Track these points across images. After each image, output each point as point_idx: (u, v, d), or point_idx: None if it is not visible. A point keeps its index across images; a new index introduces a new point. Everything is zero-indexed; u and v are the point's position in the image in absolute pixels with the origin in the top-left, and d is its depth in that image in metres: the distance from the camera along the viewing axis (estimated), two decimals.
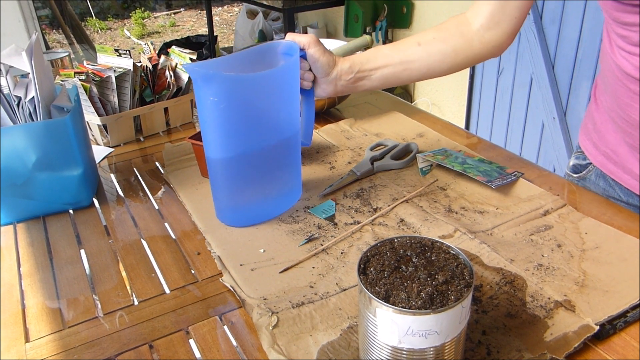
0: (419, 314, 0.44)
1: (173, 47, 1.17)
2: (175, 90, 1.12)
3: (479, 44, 0.80)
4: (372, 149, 0.98)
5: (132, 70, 1.03)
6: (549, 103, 2.14)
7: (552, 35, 2.07)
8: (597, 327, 0.57)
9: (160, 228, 0.80)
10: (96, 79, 1.01)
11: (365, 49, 1.15)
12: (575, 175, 0.92)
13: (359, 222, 0.78)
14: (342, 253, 0.72)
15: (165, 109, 1.12)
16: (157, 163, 1.00)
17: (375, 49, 0.83)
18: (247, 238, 0.76)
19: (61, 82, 1.01)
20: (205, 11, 4.10)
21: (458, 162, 0.90)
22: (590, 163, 0.87)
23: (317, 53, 0.77)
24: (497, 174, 0.87)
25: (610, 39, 0.73)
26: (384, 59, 0.81)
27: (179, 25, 5.94)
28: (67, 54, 1.33)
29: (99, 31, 5.66)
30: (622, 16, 0.67)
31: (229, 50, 4.55)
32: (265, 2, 3.05)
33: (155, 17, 6.11)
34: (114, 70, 1.02)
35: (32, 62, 0.80)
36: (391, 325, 0.46)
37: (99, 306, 0.65)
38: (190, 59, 1.13)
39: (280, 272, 0.68)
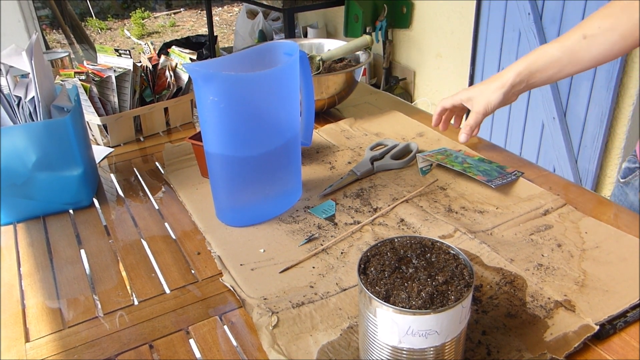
0: (419, 313, 0.44)
1: (173, 47, 1.17)
2: (175, 90, 1.12)
3: None
4: (372, 148, 0.98)
5: (132, 70, 1.03)
6: (549, 103, 2.14)
7: (552, 35, 2.07)
8: (597, 327, 0.57)
9: (160, 228, 0.80)
10: (96, 79, 1.01)
11: (366, 49, 1.15)
12: (622, 180, 0.90)
13: (359, 222, 0.78)
14: (342, 253, 0.72)
15: (165, 109, 1.13)
16: (157, 163, 1.00)
17: (543, 52, 0.83)
18: (247, 238, 0.76)
19: (61, 82, 1.01)
20: (205, 11, 4.10)
21: (458, 161, 0.90)
22: (638, 168, 0.85)
23: (487, 101, 0.89)
24: (497, 173, 0.87)
25: None
26: (554, 65, 0.82)
27: (178, 25, 5.94)
28: (67, 54, 1.33)
29: (99, 31, 5.66)
30: None
31: (229, 50, 4.55)
32: (265, 2, 3.05)
33: (155, 17, 6.11)
34: (114, 70, 1.02)
35: (32, 62, 0.80)
36: (391, 325, 0.46)
37: (99, 306, 0.65)
38: (190, 59, 1.13)
39: (281, 272, 0.68)
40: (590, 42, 0.79)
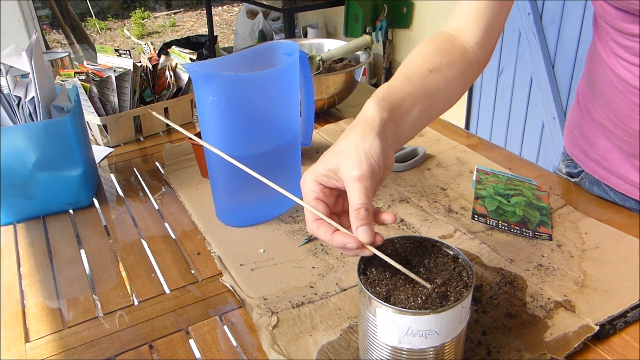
0: (419, 314, 0.44)
1: (173, 47, 1.17)
2: (175, 90, 1.12)
3: (476, 63, 0.69)
4: None
5: (132, 70, 1.03)
6: (549, 103, 2.14)
7: (552, 35, 2.07)
8: (597, 327, 0.57)
9: (160, 228, 0.80)
10: (96, 79, 1.01)
11: (365, 49, 1.15)
12: (572, 181, 0.91)
13: None
14: (342, 253, 0.72)
15: (165, 109, 1.13)
16: (157, 163, 1.00)
17: (391, 87, 0.60)
18: (247, 238, 0.76)
19: (61, 82, 1.01)
20: (205, 11, 4.11)
21: (505, 194, 0.81)
22: (583, 170, 0.86)
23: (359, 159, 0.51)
24: (537, 224, 0.76)
25: (608, 49, 0.71)
26: (411, 99, 0.60)
27: (178, 25, 5.94)
28: (67, 54, 1.33)
29: (99, 31, 5.66)
30: (628, 27, 0.65)
31: (229, 50, 4.55)
32: (265, 2, 3.05)
33: (155, 17, 6.11)
34: (114, 70, 1.02)
35: (32, 62, 0.80)
36: (391, 325, 0.46)
37: (99, 306, 0.65)
38: (190, 59, 1.13)
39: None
40: (438, 76, 0.65)
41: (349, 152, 0.51)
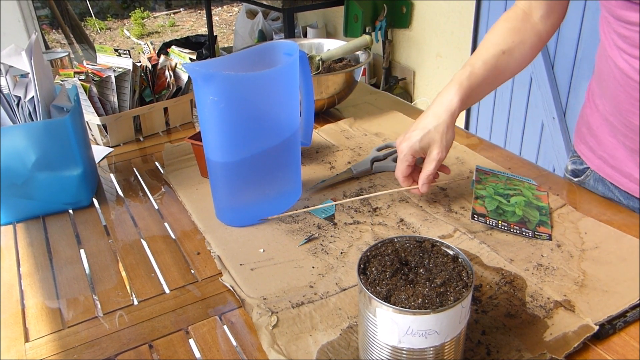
0: (419, 313, 0.44)
1: (173, 47, 1.17)
2: (174, 90, 1.12)
3: (545, 34, 0.81)
4: (379, 149, 0.97)
5: (131, 70, 1.03)
6: (548, 103, 2.14)
7: None
8: (597, 327, 0.57)
9: (160, 228, 0.80)
10: (96, 78, 1.01)
11: (365, 49, 1.15)
12: (575, 180, 0.91)
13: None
14: (342, 253, 0.72)
15: (165, 109, 1.13)
16: (156, 163, 1.00)
17: (474, 75, 0.77)
18: (247, 238, 0.76)
19: (61, 82, 1.01)
20: (204, 11, 4.11)
21: (505, 194, 0.81)
22: (588, 167, 0.87)
23: (448, 143, 0.76)
24: (536, 224, 0.76)
25: (611, 41, 0.72)
26: (483, 86, 0.79)
27: (178, 25, 5.94)
28: (66, 53, 1.33)
29: (99, 31, 5.66)
30: (627, 14, 0.65)
31: (228, 50, 4.55)
32: (265, 2, 3.05)
33: (154, 17, 6.11)
34: (114, 70, 1.02)
35: (32, 62, 0.80)
36: (391, 325, 0.46)
37: (99, 306, 0.65)
38: (190, 59, 1.13)
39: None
40: (509, 57, 0.79)
41: (437, 139, 0.75)
